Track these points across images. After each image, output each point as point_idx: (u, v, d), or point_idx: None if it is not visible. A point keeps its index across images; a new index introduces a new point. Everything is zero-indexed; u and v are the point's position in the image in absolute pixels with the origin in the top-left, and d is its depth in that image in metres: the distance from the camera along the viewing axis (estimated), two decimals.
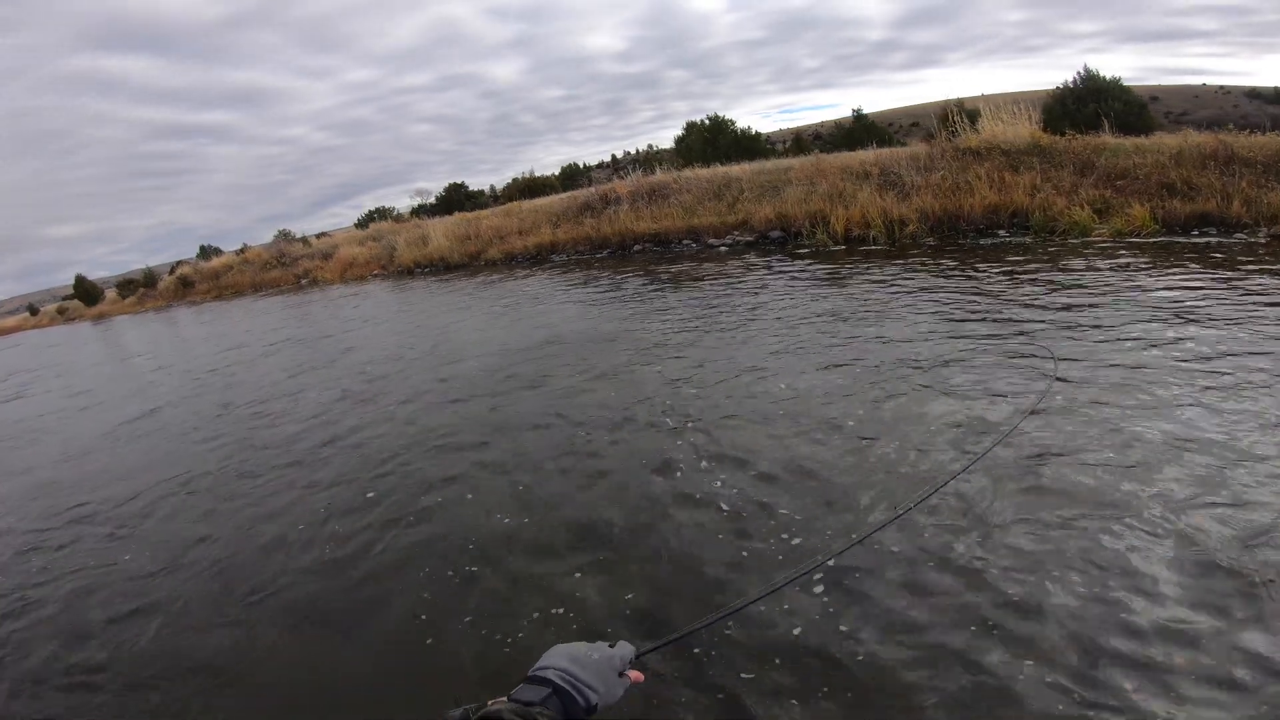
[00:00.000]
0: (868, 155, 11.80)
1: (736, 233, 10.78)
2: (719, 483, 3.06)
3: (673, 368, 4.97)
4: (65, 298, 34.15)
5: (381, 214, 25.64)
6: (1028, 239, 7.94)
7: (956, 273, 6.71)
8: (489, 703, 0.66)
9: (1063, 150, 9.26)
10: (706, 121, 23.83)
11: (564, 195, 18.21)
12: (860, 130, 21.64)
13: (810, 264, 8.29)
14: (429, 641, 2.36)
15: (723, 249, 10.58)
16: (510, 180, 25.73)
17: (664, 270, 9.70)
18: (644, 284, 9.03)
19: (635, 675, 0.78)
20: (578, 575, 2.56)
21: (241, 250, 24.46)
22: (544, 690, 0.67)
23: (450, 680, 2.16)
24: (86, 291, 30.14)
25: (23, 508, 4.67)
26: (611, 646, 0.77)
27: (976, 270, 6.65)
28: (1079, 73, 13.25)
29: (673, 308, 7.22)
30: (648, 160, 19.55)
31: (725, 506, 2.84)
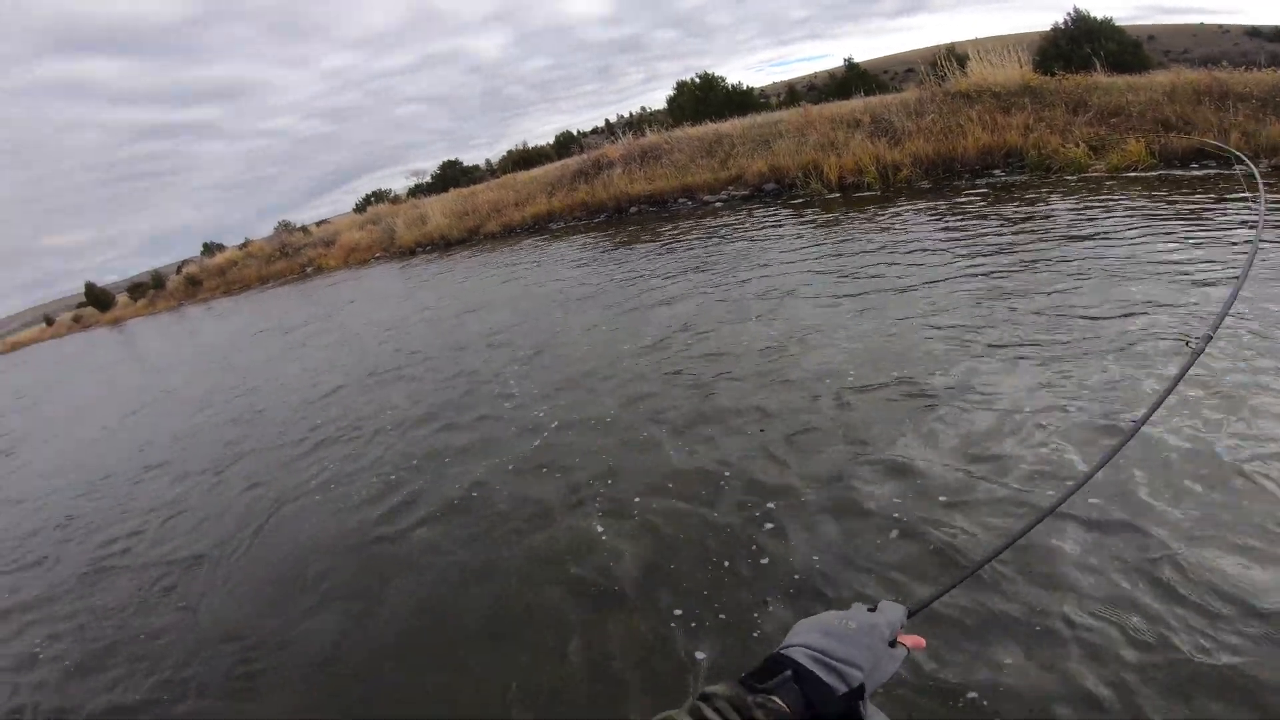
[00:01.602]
0: (857, 104, 11.70)
1: (731, 188, 10.78)
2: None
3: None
4: (79, 305, 34.31)
5: (379, 197, 25.54)
6: (1023, 177, 7.96)
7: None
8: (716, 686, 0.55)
9: (1054, 90, 9.20)
10: (697, 80, 23.41)
11: (557, 164, 18.12)
12: (854, 79, 21.17)
13: (803, 212, 8.38)
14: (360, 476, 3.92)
15: (718, 205, 10.62)
16: (506, 152, 25.52)
17: (650, 229, 9.86)
18: (619, 244, 9.43)
19: (914, 641, 0.63)
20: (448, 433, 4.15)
21: (244, 244, 24.56)
22: (782, 673, 0.55)
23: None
24: (98, 298, 30.13)
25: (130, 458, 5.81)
26: (872, 610, 0.63)
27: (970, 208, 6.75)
28: (1069, 14, 13.09)
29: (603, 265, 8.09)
30: (639, 123, 19.32)
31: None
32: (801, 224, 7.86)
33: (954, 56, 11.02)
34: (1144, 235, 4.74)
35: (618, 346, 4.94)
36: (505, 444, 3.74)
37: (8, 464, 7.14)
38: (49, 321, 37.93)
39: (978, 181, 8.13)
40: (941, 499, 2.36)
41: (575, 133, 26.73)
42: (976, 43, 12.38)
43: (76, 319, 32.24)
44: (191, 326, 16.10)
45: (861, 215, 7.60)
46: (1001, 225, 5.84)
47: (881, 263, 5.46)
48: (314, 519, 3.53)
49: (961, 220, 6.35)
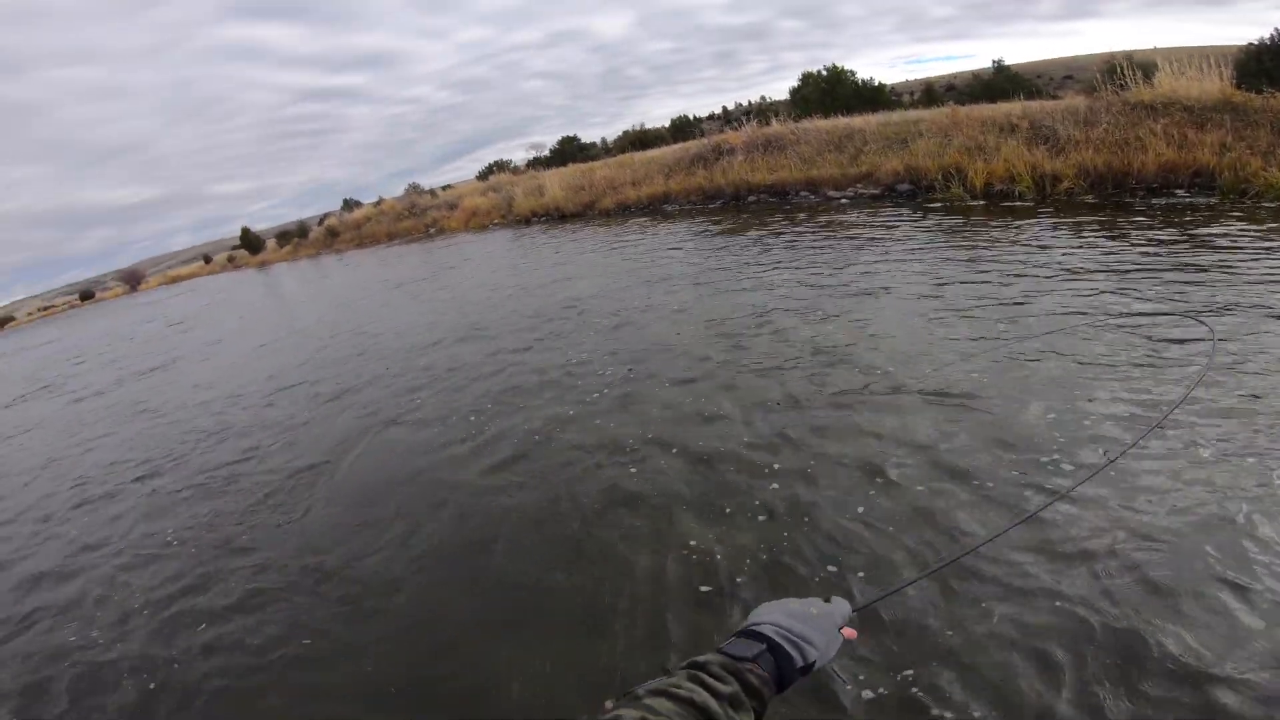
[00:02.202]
0: (1013, 107, 10.79)
1: (859, 185, 10.31)
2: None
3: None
4: (233, 247, 38.24)
5: (500, 166, 26.69)
6: (1212, 200, 7.06)
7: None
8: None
9: (1260, 109, 8.08)
10: (824, 72, 22.57)
11: (676, 146, 18.10)
12: (1003, 82, 19.60)
13: (937, 217, 7.88)
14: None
15: (844, 201, 10.18)
16: (622, 133, 25.84)
17: (767, 219, 9.60)
18: (731, 230, 9.29)
19: (850, 633, 0.72)
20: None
21: (378, 202, 26.51)
22: (758, 646, 0.63)
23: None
24: (251, 242, 33.43)
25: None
26: (827, 602, 0.72)
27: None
28: (1277, 29, 11.39)
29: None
30: (762, 111, 18.88)
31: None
32: (931, 228, 7.41)
33: (1134, 64, 9.94)
34: None
35: (691, 329, 5.16)
36: (572, 400, 4.15)
37: (164, 377, 8.31)
38: (206, 259, 42.81)
39: (1154, 201, 7.28)
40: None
41: (692, 118, 26.58)
42: (1162, 51, 11.08)
43: (230, 259, 36.13)
44: (326, 274, 17.70)
45: (1003, 225, 7.01)
46: (1170, 253, 5.14)
47: (1000, 276, 5.05)
48: (406, 450, 4.01)
49: (1123, 243, 5.68)
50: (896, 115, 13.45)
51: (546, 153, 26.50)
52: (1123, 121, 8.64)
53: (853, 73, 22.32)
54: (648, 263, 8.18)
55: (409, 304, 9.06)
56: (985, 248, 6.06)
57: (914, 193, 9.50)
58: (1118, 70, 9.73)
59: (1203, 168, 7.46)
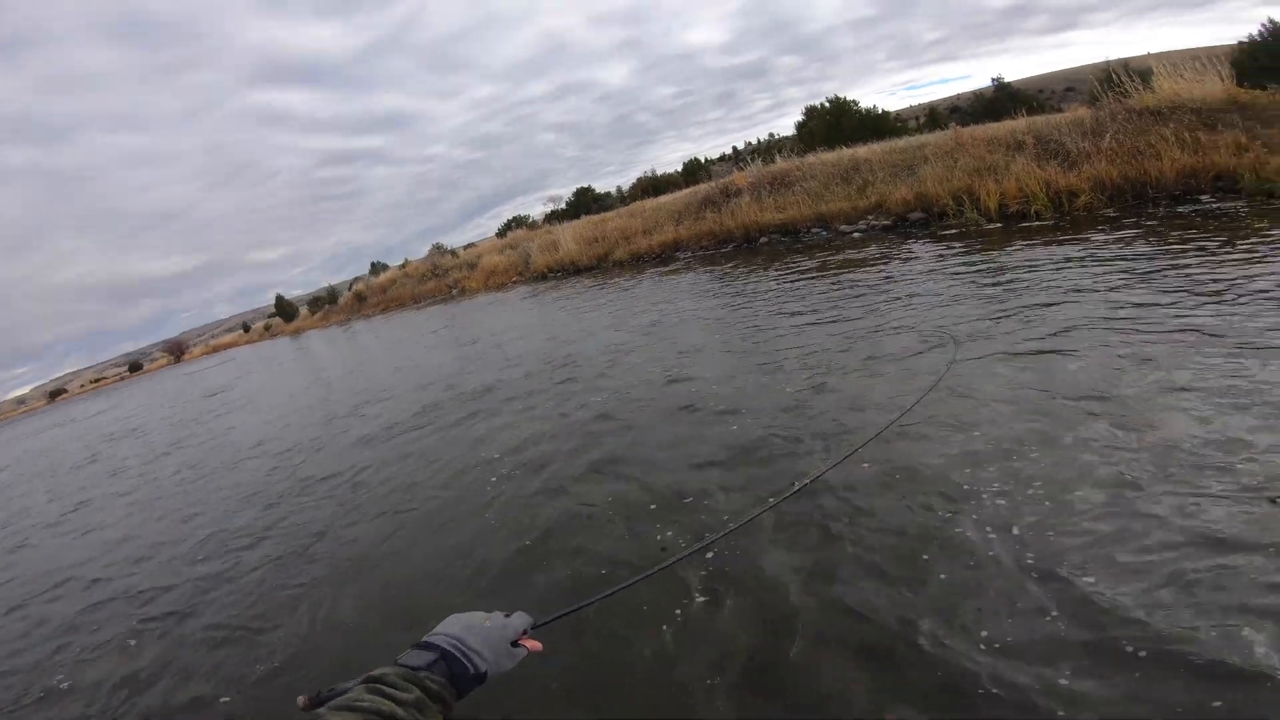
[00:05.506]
0: (1018, 124, 10.78)
1: (870, 217, 10.30)
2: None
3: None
4: (269, 315, 39.99)
5: (519, 222, 27.45)
6: (1240, 204, 6.83)
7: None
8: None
9: (1267, 105, 8.00)
10: (827, 104, 22.94)
11: (686, 191, 18.44)
12: (1004, 99, 19.62)
13: (952, 245, 7.71)
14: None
15: (856, 235, 10.15)
16: (635, 180, 26.44)
17: (778, 261, 9.57)
18: (738, 277, 9.27)
19: (533, 645, 0.79)
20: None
21: (403, 265, 27.41)
22: (431, 655, 0.69)
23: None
24: (285, 310, 35.03)
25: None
26: (508, 616, 0.79)
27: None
28: (1264, 25, 11.28)
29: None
30: (767, 149, 19.20)
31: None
32: (946, 259, 7.20)
33: (1129, 71, 9.88)
34: None
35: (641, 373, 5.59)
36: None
37: (217, 422, 9.83)
38: (245, 328, 44.67)
39: (1179, 209, 7.08)
40: None
41: (703, 160, 27.10)
42: (1156, 57, 11.03)
43: (266, 327, 37.64)
44: (351, 340, 18.27)
45: (1026, 249, 6.80)
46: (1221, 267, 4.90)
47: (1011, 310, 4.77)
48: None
49: (1164, 259, 5.47)
50: (902, 141, 13.54)
51: (563, 205, 27.12)
52: (1130, 129, 8.54)
53: (856, 102, 22.65)
54: (657, 320, 8.27)
55: (416, 362, 9.56)
56: (1024, 283, 5.89)
57: (927, 221, 9.44)
58: (1114, 77, 9.68)
59: (1223, 171, 7.27)
